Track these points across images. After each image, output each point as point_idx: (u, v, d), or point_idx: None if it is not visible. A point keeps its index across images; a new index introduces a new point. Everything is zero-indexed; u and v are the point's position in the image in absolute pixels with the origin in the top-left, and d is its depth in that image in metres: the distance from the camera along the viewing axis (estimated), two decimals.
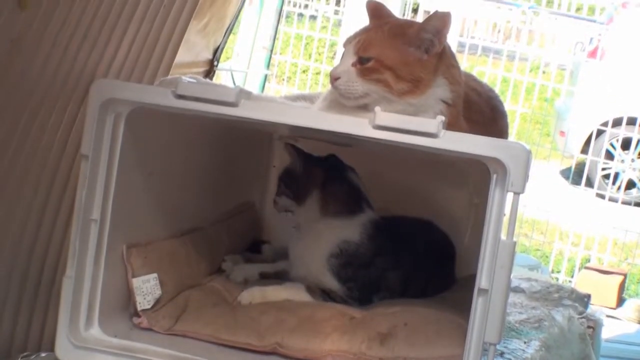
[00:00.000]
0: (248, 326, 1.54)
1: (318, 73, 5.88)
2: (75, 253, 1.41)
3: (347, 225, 1.72)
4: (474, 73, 3.19)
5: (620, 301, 4.16)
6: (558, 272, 4.64)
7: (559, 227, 4.92)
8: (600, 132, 5.12)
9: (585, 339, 2.05)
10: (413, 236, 1.80)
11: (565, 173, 5.73)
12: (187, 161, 1.75)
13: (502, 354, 1.69)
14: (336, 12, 6.21)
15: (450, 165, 1.79)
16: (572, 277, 4.57)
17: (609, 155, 5.50)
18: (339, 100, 1.51)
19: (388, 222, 1.76)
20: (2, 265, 1.61)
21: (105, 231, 1.45)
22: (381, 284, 1.73)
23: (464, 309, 1.38)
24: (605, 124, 5.02)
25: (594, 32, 5.81)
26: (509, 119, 1.88)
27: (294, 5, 5.98)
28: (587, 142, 5.25)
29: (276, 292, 1.68)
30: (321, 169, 1.76)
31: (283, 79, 6.07)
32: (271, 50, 4.09)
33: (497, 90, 2.04)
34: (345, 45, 1.54)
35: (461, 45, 5.42)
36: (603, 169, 5.41)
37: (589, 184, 5.06)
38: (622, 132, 5.20)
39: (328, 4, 6.28)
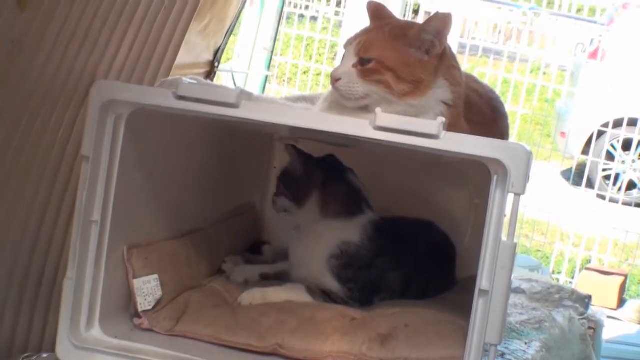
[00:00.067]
0: (248, 327, 1.54)
1: (319, 74, 5.88)
2: (76, 254, 1.42)
3: (347, 227, 1.72)
4: (475, 74, 3.18)
5: (621, 302, 4.16)
6: (559, 273, 4.64)
7: (559, 228, 4.92)
8: (601, 133, 5.11)
9: (586, 340, 2.05)
10: (413, 237, 1.80)
11: (566, 174, 5.73)
12: (187, 162, 1.75)
13: (502, 354, 1.69)
14: (337, 14, 6.21)
15: (451, 166, 1.79)
16: (573, 278, 4.56)
17: (610, 156, 5.50)
18: (340, 102, 1.51)
19: (388, 223, 1.76)
20: (3, 266, 1.61)
21: (106, 232, 1.45)
22: (382, 285, 1.73)
23: (464, 310, 1.38)
24: (606, 125, 5.02)
25: (595, 33, 5.81)
26: (510, 120, 1.88)
27: (295, 7, 5.99)
28: (588, 143, 5.24)
29: (277, 293, 1.68)
30: (321, 170, 1.76)
31: (284, 80, 6.07)
32: (272, 52, 4.09)
33: (497, 91, 2.04)
34: (345, 46, 1.54)
35: (462, 46, 5.41)
36: (604, 170, 5.41)
37: (590, 185, 5.06)
38: (623, 133, 5.20)
39: (329, 5, 6.29)
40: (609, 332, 3.25)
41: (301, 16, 5.91)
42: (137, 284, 1.54)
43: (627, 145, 5.48)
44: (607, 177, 5.43)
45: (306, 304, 1.66)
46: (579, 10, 6.88)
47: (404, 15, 5.51)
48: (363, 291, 1.70)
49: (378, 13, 1.60)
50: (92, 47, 1.60)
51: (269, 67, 4.02)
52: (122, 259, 1.52)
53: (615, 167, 5.47)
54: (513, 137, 4.85)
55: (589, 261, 4.73)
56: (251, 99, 1.39)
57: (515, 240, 1.31)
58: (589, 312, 2.18)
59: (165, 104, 1.38)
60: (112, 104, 1.40)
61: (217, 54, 2.28)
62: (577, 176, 5.35)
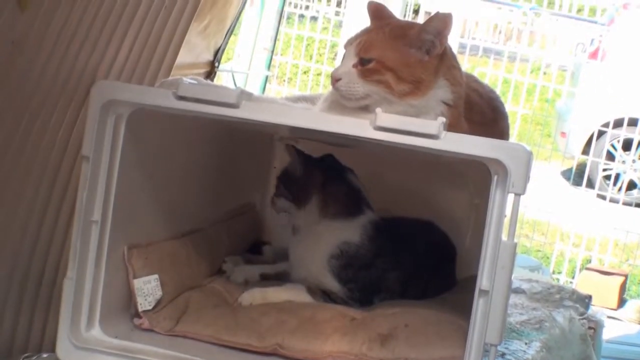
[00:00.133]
0: (249, 327, 1.54)
1: (319, 74, 5.89)
2: (76, 254, 1.42)
3: (347, 227, 1.72)
4: (475, 74, 3.18)
5: (621, 302, 4.16)
6: (559, 273, 4.64)
7: (560, 228, 4.92)
8: (601, 133, 5.11)
9: (586, 340, 2.04)
10: (413, 237, 1.80)
11: (566, 174, 5.73)
12: (187, 162, 1.75)
13: (503, 355, 1.68)
14: (337, 14, 6.21)
15: (451, 166, 1.79)
16: (573, 278, 4.56)
17: (610, 156, 5.50)
18: (340, 102, 1.51)
19: (388, 223, 1.76)
20: (4, 266, 1.61)
21: (106, 232, 1.45)
22: (382, 285, 1.73)
23: (464, 310, 1.38)
24: (606, 125, 5.02)
25: (595, 33, 5.81)
26: (510, 120, 1.88)
27: (295, 7, 5.99)
28: (588, 143, 5.24)
29: (277, 293, 1.68)
30: (321, 171, 1.76)
31: (284, 80, 6.07)
32: (272, 52, 4.09)
33: (498, 91, 2.04)
34: (346, 46, 1.54)
35: (462, 46, 5.41)
36: (604, 170, 5.41)
37: (590, 185, 5.06)
38: (623, 133, 5.20)
39: (329, 5, 6.29)
40: (609, 332, 3.25)
41: (301, 16, 5.91)
42: (138, 284, 1.54)
43: (627, 145, 5.47)
44: (608, 177, 5.42)
45: (306, 304, 1.66)
46: (579, 10, 6.88)
47: (404, 16, 5.51)
48: (363, 291, 1.70)
49: (378, 13, 1.60)
50: (92, 47, 1.60)
51: (269, 67, 4.02)
52: (122, 259, 1.52)
53: (615, 167, 5.47)
54: (513, 137, 4.85)
55: (589, 261, 4.73)
56: (251, 99, 1.39)
57: (516, 240, 1.31)
58: (589, 312, 2.18)
59: (165, 104, 1.38)
60: (112, 104, 1.40)
61: (217, 54, 2.28)
62: (577, 176, 5.35)
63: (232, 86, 2.93)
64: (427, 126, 1.31)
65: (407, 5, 5.67)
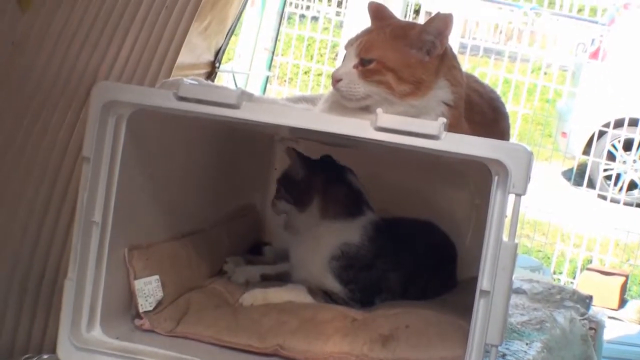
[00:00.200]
0: (249, 328, 1.54)
1: (320, 74, 5.89)
2: (76, 255, 1.42)
3: (347, 228, 1.72)
4: (476, 74, 3.18)
5: (622, 302, 4.16)
6: (560, 273, 4.64)
7: (560, 228, 4.92)
8: (602, 133, 5.12)
9: (587, 340, 2.04)
10: (414, 237, 1.80)
11: (567, 174, 5.73)
12: (188, 163, 1.75)
13: (503, 355, 1.68)
14: (338, 14, 6.22)
15: (452, 166, 1.79)
16: (574, 278, 4.56)
17: (611, 157, 5.50)
18: (341, 102, 1.51)
19: (389, 223, 1.76)
20: (4, 267, 1.61)
21: (106, 233, 1.45)
22: (382, 286, 1.72)
23: (465, 310, 1.38)
24: (607, 125, 5.02)
25: (596, 33, 5.82)
26: (511, 120, 1.88)
27: (296, 7, 5.99)
28: (589, 143, 5.24)
29: (278, 294, 1.68)
30: (321, 173, 1.76)
31: (285, 81, 6.07)
32: (273, 52, 4.09)
33: (498, 91, 2.03)
34: (347, 47, 1.54)
35: (463, 46, 5.41)
36: (605, 170, 5.41)
37: (591, 185, 5.06)
38: (624, 133, 5.20)
39: (330, 5, 6.29)
40: (610, 332, 3.25)
41: (302, 16, 5.91)
42: (138, 285, 1.54)
43: (628, 145, 5.47)
44: (608, 177, 5.42)
45: (307, 304, 1.66)
46: (580, 10, 6.88)
47: (405, 16, 5.52)
48: (364, 292, 1.70)
49: (379, 13, 1.59)
50: (93, 48, 1.60)
51: (269, 68, 4.02)
52: (123, 260, 1.52)
53: (616, 167, 5.47)
54: (514, 137, 4.86)
55: (590, 261, 4.73)
56: (252, 99, 1.39)
57: (516, 241, 1.31)
58: (590, 312, 2.18)
59: (166, 104, 1.38)
60: (113, 105, 1.40)
61: (218, 54, 2.28)
62: (578, 176, 5.35)
63: (232, 87, 2.93)
64: (428, 127, 1.31)
65: (408, 6, 5.68)
